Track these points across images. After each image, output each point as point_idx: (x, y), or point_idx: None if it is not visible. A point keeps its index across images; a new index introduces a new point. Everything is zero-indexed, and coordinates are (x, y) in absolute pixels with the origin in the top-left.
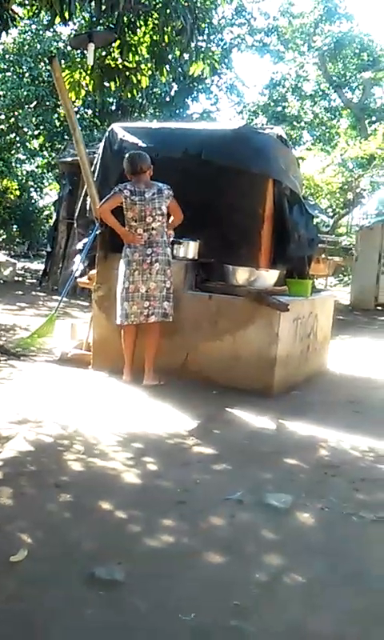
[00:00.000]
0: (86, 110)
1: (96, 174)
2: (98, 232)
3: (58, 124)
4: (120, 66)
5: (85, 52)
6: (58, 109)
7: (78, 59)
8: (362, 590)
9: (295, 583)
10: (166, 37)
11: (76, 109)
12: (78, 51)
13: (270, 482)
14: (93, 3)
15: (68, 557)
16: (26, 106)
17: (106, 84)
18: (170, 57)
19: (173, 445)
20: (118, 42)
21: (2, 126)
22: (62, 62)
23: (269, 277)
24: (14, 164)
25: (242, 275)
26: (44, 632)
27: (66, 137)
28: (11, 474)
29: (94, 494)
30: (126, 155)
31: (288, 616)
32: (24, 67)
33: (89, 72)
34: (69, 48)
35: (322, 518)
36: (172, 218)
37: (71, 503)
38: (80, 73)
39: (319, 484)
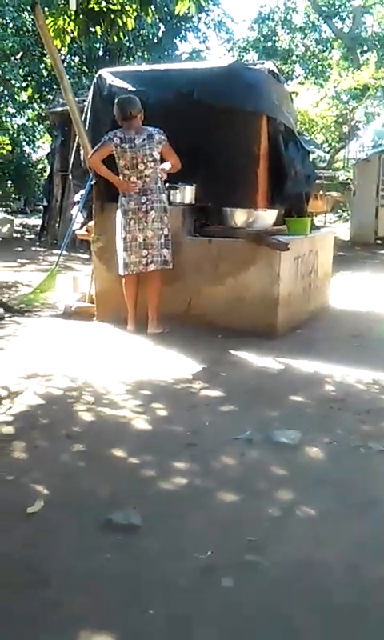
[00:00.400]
0: (72, 57)
1: (87, 123)
2: (92, 182)
3: (45, 74)
4: (104, 9)
5: None
6: (44, 58)
7: (62, 5)
8: (371, 519)
9: (306, 516)
10: None
11: (62, 57)
12: None
13: (277, 420)
14: None
15: (84, 504)
16: (12, 58)
17: (92, 29)
18: None
19: (180, 390)
20: None
21: None
22: (46, 9)
23: (267, 217)
24: (3, 118)
25: (240, 217)
26: (61, 579)
27: (54, 87)
28: (23, 428)
29: (105, 443)
30: (116, 100)
31: (300, 548)
32: (7, 17)
33: (73, 17)
34: None
35: (330, 451)
36: (168, 164)
37: (84, 453)
38: (64, 19)
39: (326, 418)
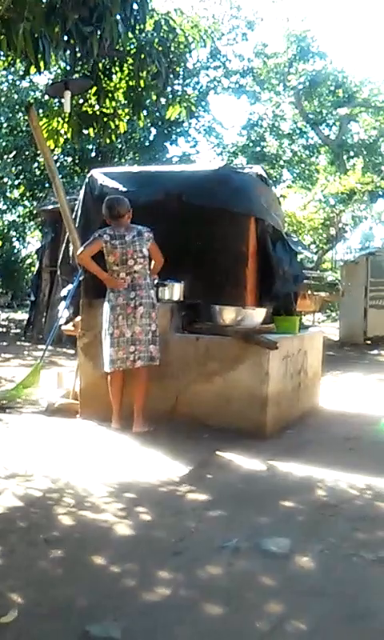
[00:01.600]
0: (65, 157)
1: (77, 221)
2: (81, 278)
3: (38, 173)
4: (97, 113)
5: (62, 100)
6: (37, 158)
7: (56, 107)
8: (365, 632)
9: (297, 631)
10: (141, 82)
11: (55, 157)
12: (56, 99)
13: (266, 527)
14: (67, 52)
15: (61, 615)
16: (5, 156)
17: (85, 131)
18: (146, 101)
19: (165, 493)
20: (95, 88)
21: None
22: (40, 110)
23: (256, 315)
24: None
25: (228, 315)
26: None
27: (46, 185)
28: (0, 531)
29: (86, 549)
30: (105, 200)
31: None
32: (2, 118)
33: (66, 119)
34: (46, 97)
35: (322, 560)
36: (153, 263)
37: (63, 559)
38: (58, 121)
39: (317, 525)
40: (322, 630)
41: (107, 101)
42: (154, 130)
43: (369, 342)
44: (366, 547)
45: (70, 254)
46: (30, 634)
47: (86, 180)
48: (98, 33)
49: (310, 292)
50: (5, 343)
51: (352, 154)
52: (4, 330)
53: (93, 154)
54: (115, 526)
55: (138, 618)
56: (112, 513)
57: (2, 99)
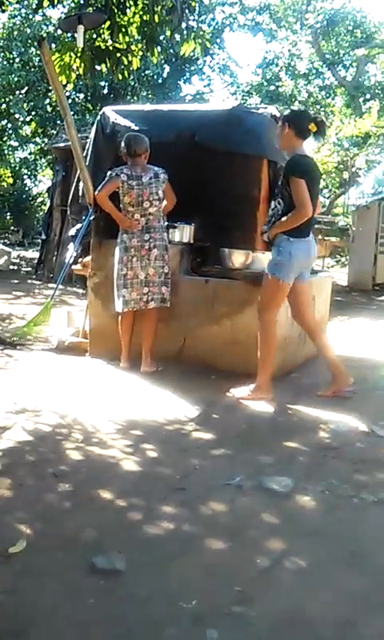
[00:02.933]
0: (77, 94)
1: (88, 159)
2: (91, 218)
3: (49, 109)
4: (110, 48)
5: (74, 34)
6: (49, 94)
7: (68, 42)
8: (362, 572)
9: (296, 567)
10: (156, 16)
11: (67, 93)
12: (68, 34)
13: (269, 466)
14: None
15: (67, 547)
16: (17, 92)
17: (97, 66)
18: (160, 37)
19: (172, 431)
20: (108, 23)
21: None
22: (52, 45)
23: (265, 259)
24: (6, 151)
25: (238, 258)
26: (42, 624)
27: (58, 122)
28: (9, 465)
29: (93, 483)
30: (124, 136)
31: (289, 601)
32: (14, 52)
33: (79, 55)
34: (58, 31)
35: (323, 500)
36: (165, 202)
37: (70, 493)
38: (70, 56)
39: (319, 466)
40: (321, 567)
41: (121, 36)
42: (167, 68)
43: (377, 287)
44: (367, 489)
45: (80, 192)
46: (37, 565)
47: (98, 117)
48: None
49: (320, 237)
50: (16, 281)
51: (368, 96)
52: (15, 267)
53: (105, 91)
54: (122, 462)
55: (142, 551)
56: (119, 449)
57: (15, 33)
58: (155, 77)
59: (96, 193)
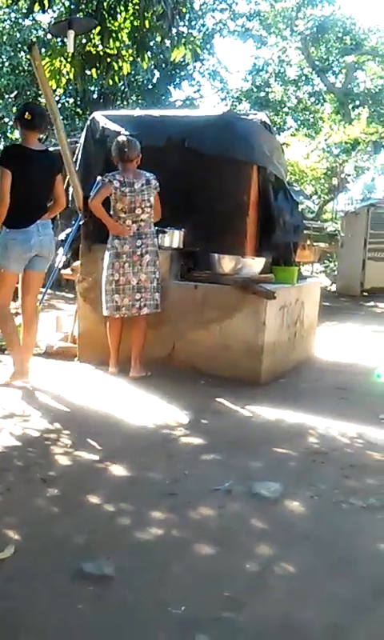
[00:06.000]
0: (67, 98)
1: (78, 164)
2: (81, 223)
3: None
4: (101, 53)
5: (65, 39)
6: (39, 98)
7: (59, 47)
8: (351, 578)
9: (285, 573)
10: (146, 22)
11: (57, 98)
12: (59, 39)
13: (258, 471)
14: None
15: (56, 552)
16: (7, 96)
17: (87, 71)
18: (151, 43)
19: (161, 436)
20: (99, 28)
21: None
22: (43, 50)
23: (255, 265)
24: None
25: (227, 264)
26: (31, 630)
27: (47, 127)
28: None
29: (82, 488)
30: (116, 140)
31: (278, 606)
32: (4, 56)
33: (69, 59)
34: (49, 36)
35: (312, 506)
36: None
37: (59, 498)
38: (60, 61)
39: (308, 472)
40: (309, 573)
41: (111, 41)
42: (157, 73)
43: (365, 293)
44: (356, 494)
45: (70, 197)
46: (25, 570)
47: (88, 122)
48: None
49: (309, 242)
50: None
51: (357, 102)
52: None
53: (95, 96)
54: (110, 467)
55: (131, 557)
56: (108, 453)
57: (5, 37)
58: (145, 82)
59: (90, 200)
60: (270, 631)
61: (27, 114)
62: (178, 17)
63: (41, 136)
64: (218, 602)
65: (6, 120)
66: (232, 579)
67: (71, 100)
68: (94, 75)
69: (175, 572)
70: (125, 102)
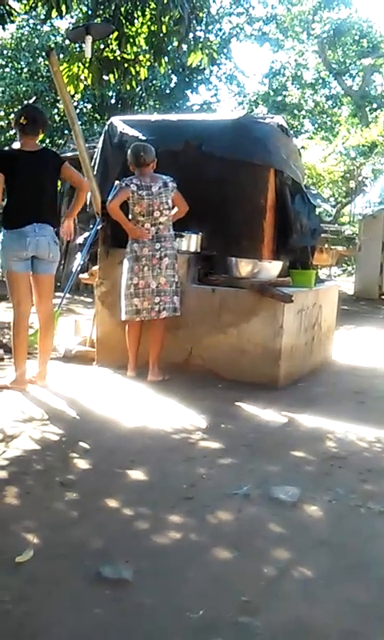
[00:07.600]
0: (85, 104)
1: (96, 168)
2: (99, 227)
3: (57, 119)
4: (118, 58)
5: (82, 45)
6: (57, 104)
7: (76, 52)
8: (369, 583)
9: (302, 577)
10: (163, 27)
11: (75, 103)
12: (76, 44)
13: (276, 475)
14: None
15: (74, 556)
16: (25, 102)
17: (105, 77)
18: (168, 47)
19: (179, 440)
20: (116, 33)
21: (2, 123)
22: (61, 55)
23: (272, 268)
24: None
25: (244, 267)
26: (48, 633)
27: (66, 132)
28: (17, 474)
29: (100, 492)
30: (131, 146)
31: (296, 611)
32: (22, 62)
33: (87, 65)
34: (67, 42)
35: (330, 510)
36: (175, 210)
37: (77, 501)
38: (78, 66)
39: (326, 476)
40: (327, 577)
41: (128, 46)
42: (174, 78)
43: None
44: (373, 499)
45: (88, 201)
46: (44, 574)
47: (106, 127)
48: None
49: (326, 246)
50: None
51: (375, 105)
52: None
53: (113, 101)
54: (128, 471)
55: (149, 561)
56: (126, 458)
57: (23, 43)
58: (163, 87)
59: (108, 204)
60: (286, 636)
61: (23, 118)
62: (194, 21)
63: (41, 137)
64: (235, 607)
65: None
66: (249, 584)
67: (89, 105)
68: (112, 80)
69: (192, 576)
70: (142, 107)
